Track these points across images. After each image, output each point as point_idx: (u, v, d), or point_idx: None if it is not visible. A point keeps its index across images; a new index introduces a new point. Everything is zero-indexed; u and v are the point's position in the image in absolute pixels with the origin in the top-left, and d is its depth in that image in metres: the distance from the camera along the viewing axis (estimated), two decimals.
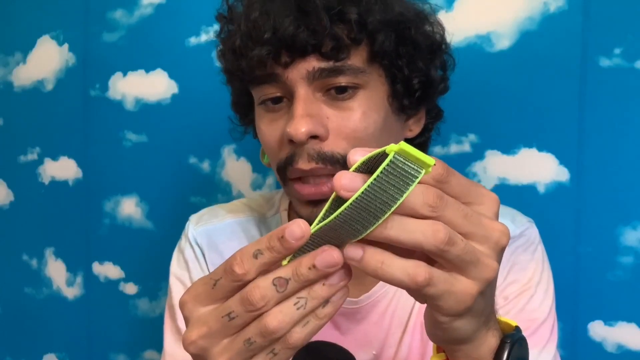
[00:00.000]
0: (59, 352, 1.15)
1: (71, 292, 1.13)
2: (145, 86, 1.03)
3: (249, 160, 0.98)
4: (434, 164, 0.30)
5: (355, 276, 0.34)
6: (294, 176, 0.56)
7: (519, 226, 0.65)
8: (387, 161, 0.29)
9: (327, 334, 0.63)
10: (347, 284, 0.33)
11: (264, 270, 0.33)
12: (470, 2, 0.83)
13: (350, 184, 0.30)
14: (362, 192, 0.29)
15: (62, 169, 1.12)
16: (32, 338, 1.18)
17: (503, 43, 0.82)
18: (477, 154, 0.84)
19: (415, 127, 0.64)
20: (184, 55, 0.99)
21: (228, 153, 0.99)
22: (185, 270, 0.69)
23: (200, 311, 0.34)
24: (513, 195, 0.81)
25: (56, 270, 1.14)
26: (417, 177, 0.30)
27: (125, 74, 1.05)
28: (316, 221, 0.32)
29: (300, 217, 0.58)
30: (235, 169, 0.99)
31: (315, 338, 0.34)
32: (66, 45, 1.09)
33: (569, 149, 0.79)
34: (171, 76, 1.01)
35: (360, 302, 0.63)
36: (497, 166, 0.83)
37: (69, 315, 1.13)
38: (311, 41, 0.52)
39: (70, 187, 1.11)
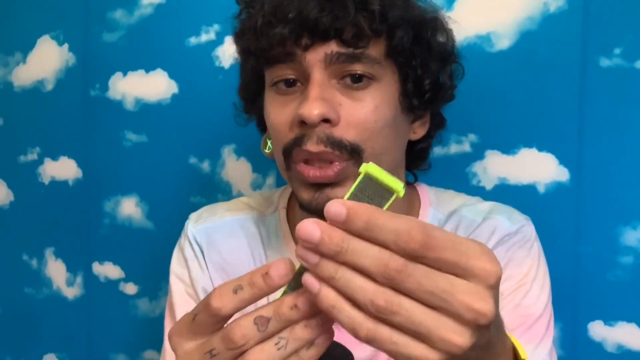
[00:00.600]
0: (59, 352, 1.15)
1: (71, 292, 1.13)
2: (145, 86, 1.03)
3: (249, 160, 0.98)
4: (404, 187, 0.30)
5: None
6: (301, 158, 0.55)
7: (515, 223, 0.65)
8: (359, 179, 0.30)
9: None
10: (328, 330, 0.33)
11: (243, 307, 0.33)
12: (470, 2, 0.83)
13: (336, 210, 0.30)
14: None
15: (62, 169, 1.12)
16: (32, 338, 1.18)
17: (503, 43, 0.82)
18: (477, 154, 0.84)
19: (419, 130, 0.65)
20: (184, 55, 0.99)
21: (228, 153, 0.99)
22: (185, 268, 0.69)
23: (185, 347, 0.35)
24: (513, 195, 0.81)
25: (56, 270, 1.14)
26: (389, 199, 0.31)
27: (125, 74, 1.05)
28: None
29: (301, 203, 0.57)
30: (235, 169, 0.99)
31: None
32: (66, 45, 1.09)
33: (569, 149, 0.79)
34: (171, 76, 1.01)
35: None
36: (497, 166, 0.83)
37: (69, 315, 1.13)
38: (334, 26, 0.53)
39: (70, 187, 1.11)
